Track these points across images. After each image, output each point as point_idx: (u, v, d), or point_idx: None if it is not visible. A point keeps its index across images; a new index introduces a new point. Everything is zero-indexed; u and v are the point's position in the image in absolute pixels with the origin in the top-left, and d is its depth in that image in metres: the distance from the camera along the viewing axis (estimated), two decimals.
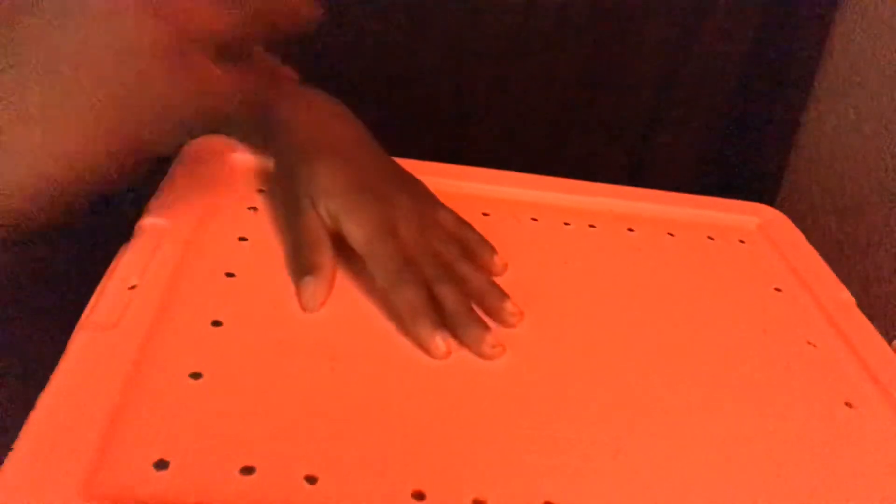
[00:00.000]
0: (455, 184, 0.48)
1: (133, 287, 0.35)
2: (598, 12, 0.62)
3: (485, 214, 0.47)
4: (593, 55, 0.63)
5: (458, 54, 0.60)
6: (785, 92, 0.68)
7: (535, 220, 0.47)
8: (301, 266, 0.38)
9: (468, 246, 0.41)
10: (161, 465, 0.28)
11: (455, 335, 0.36)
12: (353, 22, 0.59)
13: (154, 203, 0.41)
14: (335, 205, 0.39)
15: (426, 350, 0.35)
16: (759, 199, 0.52)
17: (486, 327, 0.36)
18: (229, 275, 0.38)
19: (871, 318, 0.43)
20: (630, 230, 0.48)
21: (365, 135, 0.44)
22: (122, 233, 0.39)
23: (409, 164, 0.45)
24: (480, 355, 0.36)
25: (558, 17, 0.60)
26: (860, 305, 0.44)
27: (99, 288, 0.35)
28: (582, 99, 0.65)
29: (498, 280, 0.40)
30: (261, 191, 0.45)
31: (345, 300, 0.38)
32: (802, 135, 0.69)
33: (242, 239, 0.40)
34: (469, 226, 0.43)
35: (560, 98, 0.64)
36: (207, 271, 0.38)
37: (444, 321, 0.36)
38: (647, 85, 0.66)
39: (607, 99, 0.66)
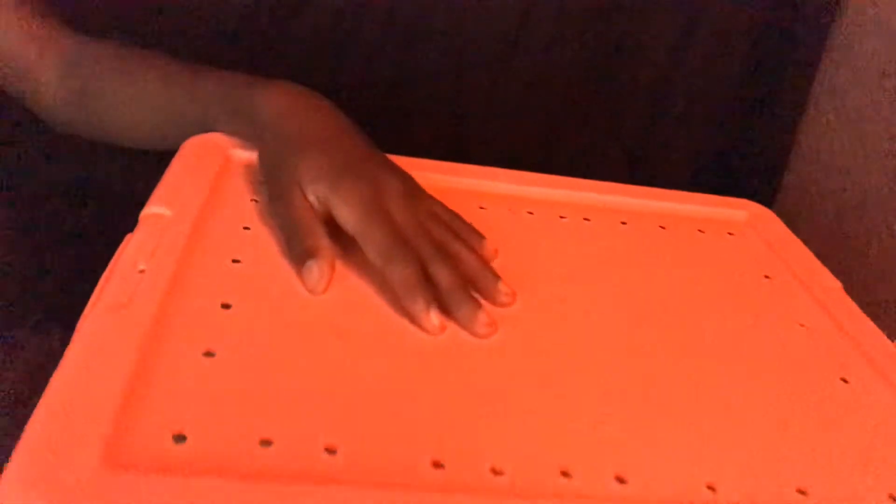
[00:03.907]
0: (452, 179, 0.49)
1: (141, 271, 0.35)
2: (598, 11, 0.63)
3: (481, 208, 0.47)
4: (592, 54, 0.65)
5: (458, 53, 0.61)
6: (785, 92, 0.69)
7: (531, 213, 0.48)
8: (300, 252, 0.38)
9: (457, 233, 0.42)
10: (179, 438, 0.28)
11: (448, 313, 0.37)
12: (354, 22, 0.60)
13: (157, 194, 0.41)
14: (324, 188, 0.39)
15: (420, 326, 0.36)
16: (758, 199, 0.53)
17: (479, 306, 0.37)
18: (235, 261, 0.38)
19: (871, 317, 0.44)
20: (623, 223, 0.49)
21: (350, 125, 0.45)
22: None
23: (406, 161, 0.46)
24: (473, 333, 0.36)
25: (557, 16, 0.61)
26: (860, 305, 0.45)
27: (105, 274, 0.35)
28: (581, 98, 0.66)
29: (495, 268, 0.40)
30: (263, 183, 0.45)
31: (347, 282, 0.38)
32: (802, 135, 0.70)
33: (246, 228, 0.41)
34: (457, 215, 0.44)
35: (559, 97, 0.65)
36: (214, 257, 0.38)
37: (437, 299, 0.37)
38: (647, 84, 0.67)
39: (606, 98, 0.67)
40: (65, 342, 0.32)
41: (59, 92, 0.52)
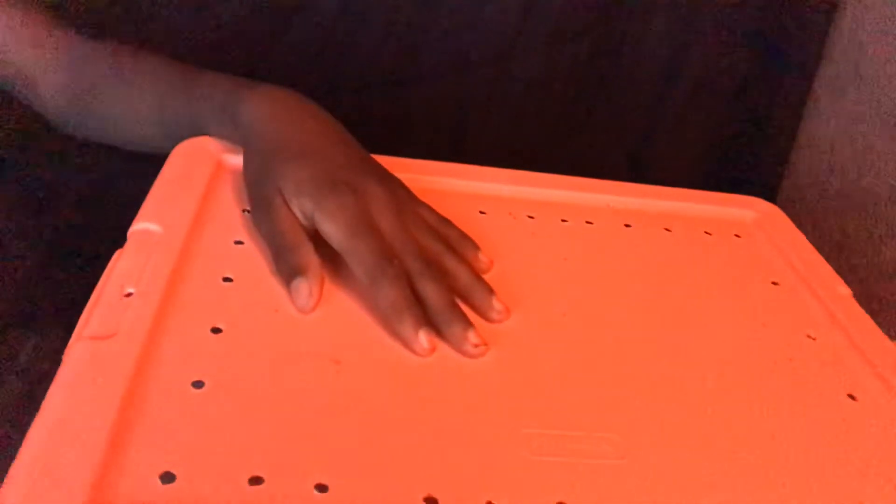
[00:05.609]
0: (451, 182, 0.47)
1: (129, 295, 0.34)
2: (598, 11, 0.61)
3: (481, 213, 0.46)
4: (592, 54, 0.63)
5: (458, 53, 0.60)
6: (785, 91, 0.68)
7: (531, 217, 0.47)
8: (289, 269, 0.37)
9: (450, 242, 0.40)
10: (167, 477, 0.27)
11: (437, 332, 0.36)
12: (354, 21, 0.58)
13: (146, 207, 0.40)
14: (308, 203, 0.38)
15: (409, 348, 0.35)
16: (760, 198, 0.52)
17: (469, 325, 0.36)
18: (227, 279, 0.37)
19: (872, 317, 0.43)
20: (627, 226, 0.48)
21: (337, 130, 0.43)
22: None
23: (405, 163, 0.45)
24: (463, 354, 0.35)
25: (557, 16, 0.60)
26: (862, 305, 0.43)
27: (93, 297, 0.34)
28: (581, 98, 0.65)
29: (495, 277, 0.40)
30: (246, 190, 0.44)
31: (339, 297, 0.37)
32: (802, 134, 0.69)
33: (238, 242, 0.40)
34: (449, 222, 0.42)
35: (559, 97, 0.64)
36: (204, 276, 0.37)
37: (427, 317, 0.36)
38: (647, 85, 0.66)
39: (607, 99, 0.66)
40: (65, 343, 0.32)
41: (58, 92, 0.51)
